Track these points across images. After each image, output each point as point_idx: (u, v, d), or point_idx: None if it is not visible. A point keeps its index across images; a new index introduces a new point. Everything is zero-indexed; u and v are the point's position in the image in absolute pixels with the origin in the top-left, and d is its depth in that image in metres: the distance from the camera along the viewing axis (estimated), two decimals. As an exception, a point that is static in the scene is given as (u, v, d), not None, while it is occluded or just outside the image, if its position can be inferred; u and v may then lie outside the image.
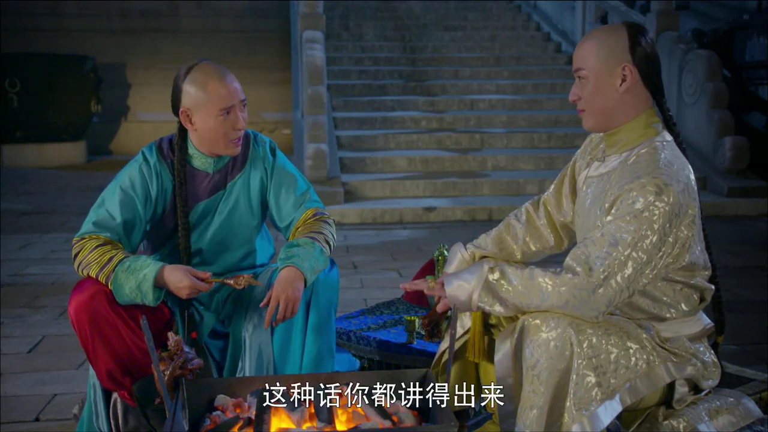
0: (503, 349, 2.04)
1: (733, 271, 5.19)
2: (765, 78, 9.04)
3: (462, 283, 2.05)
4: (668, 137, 2.10)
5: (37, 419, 2.89)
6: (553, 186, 2.40)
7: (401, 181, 7.84)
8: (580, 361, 1.91)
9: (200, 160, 2.50)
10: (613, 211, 1.98)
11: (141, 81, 12.41)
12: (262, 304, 2.29)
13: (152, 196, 2.46)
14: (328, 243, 2.46)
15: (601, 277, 1.91)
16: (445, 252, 2.99)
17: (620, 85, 2.05)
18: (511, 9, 12.74)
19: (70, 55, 11.63)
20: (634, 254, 1.92)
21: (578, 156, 2.35)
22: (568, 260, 1.98)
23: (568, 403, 1.91)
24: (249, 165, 2.55)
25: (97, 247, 2.34)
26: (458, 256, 2.37)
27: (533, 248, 2.40)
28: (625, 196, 1.96)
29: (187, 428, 1.93)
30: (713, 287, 2.17)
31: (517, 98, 9.77)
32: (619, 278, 1.92)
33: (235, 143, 2.44)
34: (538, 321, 1.95)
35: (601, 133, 2.22)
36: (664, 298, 2.09)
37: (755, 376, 2.67)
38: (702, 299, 2.17)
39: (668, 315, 2.10)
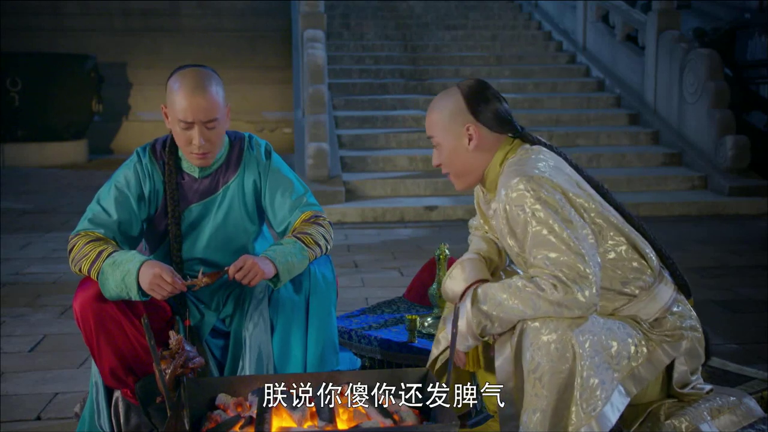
0: (504, 354, 2.05)
1: (734, 271, 5.19)
2: (766, 77, 9.04)
3: (460, 328, 2.08)
4: (520, 148, 2.18)
5: (38, 418, 2.90)
6: (478, 215, 2.46)
7: (402, 180, 7.84)
8: (583, 363, 1.92)
9: (187, 164, 2.50)
10: (518, 234, 2.05)
11: (142, 80, 12.42)
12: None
13: (145, 195, 2.47)
14: (316, 243, 2.43)
15: (577, 286, 1.93)
16: (447, 251, 2.99)
17: (469, 143, 2.17)
18: (512, 8, 12.73)
19: (71, 54, 11.63)
20: (569, 244, 1.95)
21: (478, 186, 2.38)
22: (540, 280, 1.97)
23: (573, 407, 1.93)
24: (243, 168, 2.54)
25: (88, 242, 2.35)
26: (475, 262, 2.33)
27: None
28: (512, 215, 2.05)
29: (188, 427, 1.93)
30: (636, 237, 2.15)
31: (518, 97, 9.76)
32: (585, 270, 1.93)
33: (196, 156, 2.41)
34: (537, 324, 1.96)
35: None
36: (613, 273, 2.10)
37: (756, 374, 2.68)
38: (642, 255, 2.14)
39: (633, 288, 2.11)
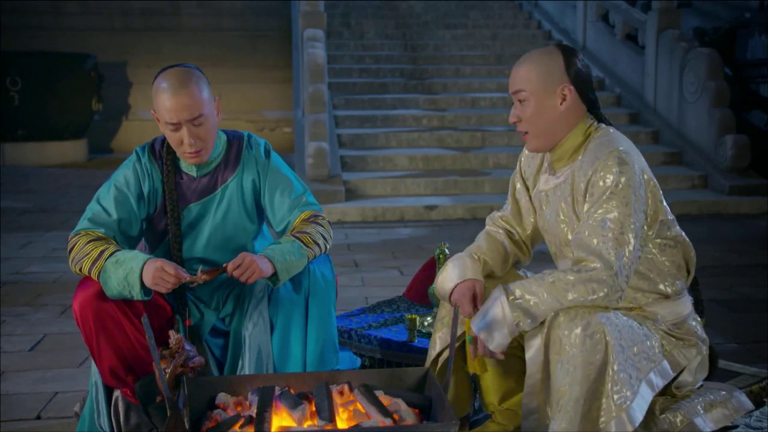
0: (535, 345, 2.06)
1: (734, 270, 5.19)
2: (766, 76, 9.04)
3: (493, 322, 2.05)
4: (603, 125, 2.21)
5: (38, 417, 2.89)
6: (509, 207, 2.44)
7: (402, 179, 7.84)
8: (615, 355, 1.95)
9: (185, 163, 2.50)
10: (588, 198, 2.07)
11: (142, 79, 12.40)
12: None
13: (145, 194, 2.47)
14: (315, 242, 2.43)
15: (617, 262, 1.97)
16: (446, 250, 2.99)
17: (561, 104, 2.15)
18: (512, 7, 12.73)
19: (71, 53, 11.61)
20: (628, 225, 2.00)
21: (517, 178, 2.41)
22: (579, 253, 2.02)
23: (605, 398, 1.95)
24: (242, 167, 2.53)
25: (89, 242, 2.35)
26: (468, 261, 2.31)
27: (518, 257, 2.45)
28: (594, 179, 2.06)
29: (188, 426, 1.94)
30: (691, 244, 2.23)
31: (518, 96, 9.75)
32: (627, 253, 1.99)
33: (189, 155, 2.41)
34: (569, 315, 1.98)
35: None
36: (661, 271, 2.16)
37: (743, 370, 2.77)
38: (688, 270, 2.23)
39: (670, 290, 2.17)
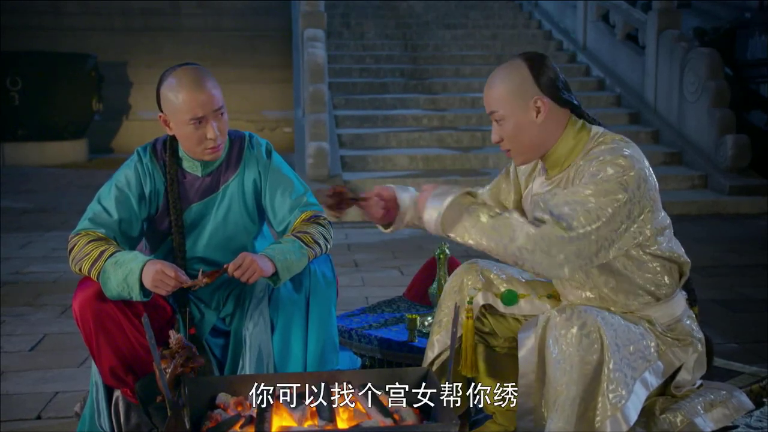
0: (528, 345, 2.06)
1: (734, 270, 5.19)
2: (766, 76, 9.04)
3: (436, 202, 2.03)
4: (600, 129, 2.15)
5: (38, 417, 2.90)
6: (489, 186, 2.43)
7: (402, 179, 7.83)
8: (610, 354, 1.94)
9: (189, 163, 2.50)
10: (579, 180, 2.01)
11: (142, 79, 12.40)
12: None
13: (146, 195, 2.47)
14: (316, 242, 2.44)
15: (573, 226, 1.90)
16: (447, 251, 3.00)
17: (537, 117, 2.10)
18: (512, 7, 12.73)
19: (72, 53, 11.61)
20: (602, 208, 1.91)
21: (510, 170, 2.38)
22: (537, 213, 1.97)
23: (600, 397, 1.95)
24: (243, 167, 2.54)
25: (90, 242, 2.34)
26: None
27: None
28: (594, 170, 1.98)
29: (188, 426, 1.94)
30: (689, 260, 2.21)
31: (518, 96, 9.75)
32: (589, 227, 1.90)
33: (210, 151, 2.41)
34: (565, 315, 1.97)
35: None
36: (651, 276, 2.14)
37: (743, 369, 2.77)
38: (681, 273, 2.22)
39: (661, 293, 2.15)
